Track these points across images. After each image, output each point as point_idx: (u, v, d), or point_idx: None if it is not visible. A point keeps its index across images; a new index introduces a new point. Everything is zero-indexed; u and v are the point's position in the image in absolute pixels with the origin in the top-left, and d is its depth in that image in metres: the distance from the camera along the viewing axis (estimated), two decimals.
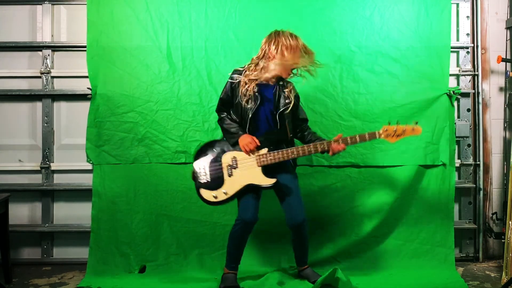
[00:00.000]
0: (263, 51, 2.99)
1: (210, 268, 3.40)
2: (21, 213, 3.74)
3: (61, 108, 3.76)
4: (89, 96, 3.52)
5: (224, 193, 2.97)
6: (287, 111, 3.03)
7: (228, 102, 3.07)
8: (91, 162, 3.52)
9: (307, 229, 3.12)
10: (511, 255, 3.18)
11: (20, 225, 3.72)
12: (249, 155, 2.97)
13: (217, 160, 3.01)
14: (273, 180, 2.96)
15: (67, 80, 3.75)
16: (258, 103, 2.98)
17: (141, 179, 3.52)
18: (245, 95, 2.97)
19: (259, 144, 2.96)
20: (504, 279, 3.18)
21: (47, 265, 3.67)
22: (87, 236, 3.51)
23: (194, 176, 3.04)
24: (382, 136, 2.99)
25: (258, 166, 2.97)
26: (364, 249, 3.48)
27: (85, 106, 3.58)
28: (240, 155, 2.99)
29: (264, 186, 2.97)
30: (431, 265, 3.42)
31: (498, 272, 3.46)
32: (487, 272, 3.50)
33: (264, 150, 2.98)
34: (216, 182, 2.99)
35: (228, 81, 3.05)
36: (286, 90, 3.04)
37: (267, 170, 2.99)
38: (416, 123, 2.99)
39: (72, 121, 3.75)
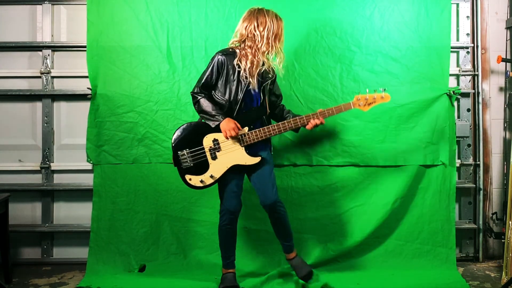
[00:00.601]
0: (251, 35, 2.93)
1: (210, 268, 3.41)
2: (21, 213, 3.74)
3: (61, 108, 3.76)
4: (89, 96, 3.52)
5: (210, 177, 2.96)
6: (270, 85, 3.07)
7: (211, 84, 3.00)
8: (91, 162, 3.52)
9: (282, 209, 3.10)
10: (511, 255, 3.18)
11: (20, 225, 3.72)
12: (228, 139, 2.96)
13: (198, 144, 2.98)
14: (258, 159, 2.97)
15: (67, 80, 3.75)
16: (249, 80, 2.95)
17: (141, 179, 3.52)
18: (245, 71, 2.92)
19: (241, 129, 2.95)
20: (504, 279, 3.18)
21: (47, 265, 3.67)
22: (87, 236, 3.51)
23: (177, 161, 3.00)
24: (356, 105, 3.03)
25: (242, 146, 2.97)
26: (365, 249, 3.48)
27: (85, 106, 3.58)
28: (220, 136, 2.97)
29: (250, 164, 2.96)
30: (433, 265, 3.43)
31: (498, 272, 3.46)
32: (487, 272, 3.50)
33: (245, 129, 2.97)
34: (201, 166, 2.97)
35: (215, 62, 2.96)
36: (266, 63, 3.00)
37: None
38: (384, 90, 3.03)
39: (72, 121, 3.75)
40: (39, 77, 3.72)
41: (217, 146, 2.97)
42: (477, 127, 3.74)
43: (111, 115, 3.51)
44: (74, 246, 3.73)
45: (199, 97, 3.01)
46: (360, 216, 3.50)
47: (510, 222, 3.22)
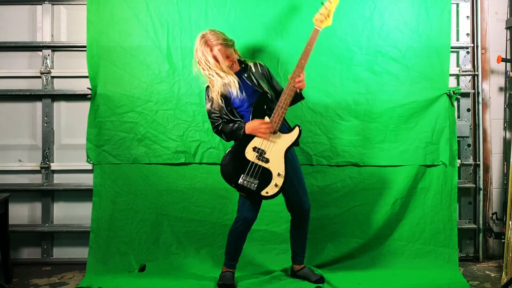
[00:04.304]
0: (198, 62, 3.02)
1: (210, 267, 3.40)
2: (21, 213, 3.74)
3: (61, 108, 3.76)
4: (89, 96, 3.52)
5: (278, 175, 2.93)
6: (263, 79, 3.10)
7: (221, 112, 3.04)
8: (91, 162, 3.52)
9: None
10: (511, 255, 3.18)
11: (20, 225, 3.72)
12: (269, 136, 2.94)
13: (246, 163, 2.95)
14: (296, 129, 2.97)
15: (67, 80, 3.75)
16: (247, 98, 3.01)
17: (141, 179, 3.52)
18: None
19: (268, 120, 2.95)
20: (504, 279, 3.18)
21: (47, 265, 3.67)
22: (87, 236, 3.51)
23: (247, 191, 2.95)
24: (320, 26, 3.01)
25: (275, 132, 2.95)
26: (366, 250, 3.48)
27: (85, 106, 3.58)
28: (256, 141, 2.96)
29: (297, 138, 2.96)
30: (434, 266, 3.41)
31: (498, 272, 3.46)
32: (487, 272, 3.50)
33: (267, 119, 2.96)
34: (264, 176, 2.94)
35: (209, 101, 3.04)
36: (252, 69, 3.06)
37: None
38: None
39: (72, 121, 3.75)
40: (39, 77, 3.72)
41: (260, 150, 2.96)
42: (477, 127, 3.74)
43: (111, 115, 3.51)
44: (74, 246, 3.73)
45: (217, 124, 3.03)
46: (360, 216, 3.50)
47: (510, 222, 3.22)
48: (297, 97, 3.05)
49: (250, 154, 2.95)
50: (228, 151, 3.00)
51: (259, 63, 3.17)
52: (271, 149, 2.95)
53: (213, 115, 3.02)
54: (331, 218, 3.51)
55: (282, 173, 2.93)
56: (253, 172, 2.93)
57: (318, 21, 3.02)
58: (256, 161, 2.94)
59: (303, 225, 3.15)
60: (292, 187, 3.07)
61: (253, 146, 2.95)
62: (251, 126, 2.94)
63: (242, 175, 2.94)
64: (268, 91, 3.05)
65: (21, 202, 3.74)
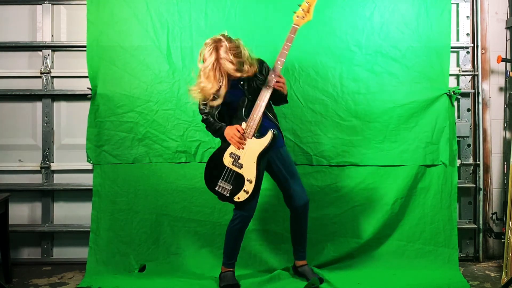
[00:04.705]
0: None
1: (210, 267, 3.39)
2: (21, 213, 3.74)
3: (61, 108, 3.76)
4: (89, 96, 3.52)
5: (248, 181, 2.95)
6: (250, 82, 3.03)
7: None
8: (91, 162, 3.52)
9: (308, 210, 3.16)
10: (511, 255, 3.18)
11: (20, 225, 3.72)
12: (241, 145, 2.95)
13: (222, 169, 2.99)
14: (269, 134, 2.94)
15: (67, 80, 3.75)
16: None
17: (141, 179, 3.52)
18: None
19: (243, 129, 2.95)
20: (504, 279, 3.18)
21: (47, 265, 3.67)
22: (87, 236, 3.51)
23: (220, 196, 3.01)
24: (300, 22, 2.98)
25: (250, 138, 2.96)
26: (366, 250, 3.47)
27: (85, 106, 3.58)
28: (232, 147, 2.98)
29: (269, 143, 2.93)
30: (435, 266, 3.41)
31: (498, 272, 3.46)
32: (487, 272, 3.50)
33: (243, 124, 2.96)
34: (238, 182, 2.96)
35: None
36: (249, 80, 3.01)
37: (262, 161, 2.98)
38: None
39: (72, 121, 3.75)
40: (39, 77, 3.72)
41: (235, 156, 2.97)
42: (477, 127, 3.74)
43: (111, 115, 3.51)
44: (74, 246, 3.72)
45: (204, 117, 3.06)
46: (360, 216, 3.50)
47: (510, 222, 3.22)
48: (281, 99, 3.05)
49: (226, 160, 2.99)
50: (210, 156, 3.08)
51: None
52: (245, 155, 2.97)
53: (201, 106, 3.05)
54: (331, 218, 3.51)
55: (252, 179, 2.94)
56: (228, 177, 2.97)
57: (299, 18, 2.98)
58: (231, 166, 2.98)
59: (301, 220, 3.16)
60: (286, 183, 3.10)
61: (230, 152, 2.99)
62: (227, 132, 2.97)
63: (219, 181, 2.99)
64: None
65: (21, 202, 3.74)
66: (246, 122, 2.96)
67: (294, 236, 3.22)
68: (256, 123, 2.95)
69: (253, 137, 2.96)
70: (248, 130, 2.96)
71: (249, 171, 2.96)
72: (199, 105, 3.06)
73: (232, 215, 3.08)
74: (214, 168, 3.02)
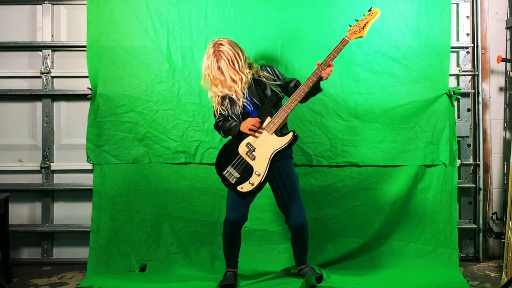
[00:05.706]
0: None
1: (210, 267, 3.41)
2: (21, 213, 3.75)
3: (61, 108, 3.76)
4: (89, 96, 3.52)
5: (257, 174, 2.95)
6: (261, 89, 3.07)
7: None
8: (91, 162, 3.52)
9: (307, 230, 3.14)
10: (511, 255, 3.18)
11: (20, 225, 3.72)
12: (257, 134, 2.96)
13: (235, 156, 2.99)
14: (290, 134, 2.96)
15: (67, 80, 3.75)
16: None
17: (141, 179, 3.52)
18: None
19: (259, 120, 2.97)
20: (504, 279, 3.18)
21: (47, 265, 3.67)
22: (87, 236, 3.51)
23: (225, 182, 3.01)
24: (352, 37, 3.03)
25: (271, 134, 2.96)
26: (366, 250, 3.48)
27: (85, 106, 3.58)
28: (251, 138, 2.99)
29: (288, 143, 2.95)
30: (435, 266, 3.41)
31: (498, 272, 3.46)
32: (487, 272, 3.50)
33: (268, 119, 2.98)
34: (246, 172, 2.96)
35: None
36: (260, 82, 3.05)
37: (274, 161, 2.98)
38: (370, 8, 3.06)
39: (72, 121, 3.75)
40: (39, 77, 3.72)
41: (251, 147, 2.98)
42: (477, 127, 3.74)
43: (111, 115, 3.51)
44: (74, 246, 3.73)
45: (220, 122, 3.09)
46: (360, 216, 3.50)
47: (510, 222, 3.22)
48: (317, 89, 3.05)
49: (241, 148, 2.99)
50: (226, 143, 3.08)
51: (265, 67, 3.13)
52: (261, 148, 2.97)
53: (221, 108, 3.06)
54: (331, 218, 3.51)
55: (261, 173, 2.94)
56: (238, 165, 2.98)
57: (351, 32, 3.03)
58: (244, 156, 2.98)
59: (298, 238, 3.16)
60: (286, 200, 3.08)
61: (247, 142, 2.99)
62: (244, 123, 2.98)
63: (228, 166, 2.99)
64: (279, 93, 3.06)
65: (21, 202, 3.74)
66: (271, 117, 2.97)
67: (294, 248, 3.23)
68: (281, 120, 2.95)
69: (273, 134, 2.97)
70: (271, 126, 2.96)
71: (260, 165, 2.95)
72: (215, 110, 3.07)
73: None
74: (228, 152, 3.02)
